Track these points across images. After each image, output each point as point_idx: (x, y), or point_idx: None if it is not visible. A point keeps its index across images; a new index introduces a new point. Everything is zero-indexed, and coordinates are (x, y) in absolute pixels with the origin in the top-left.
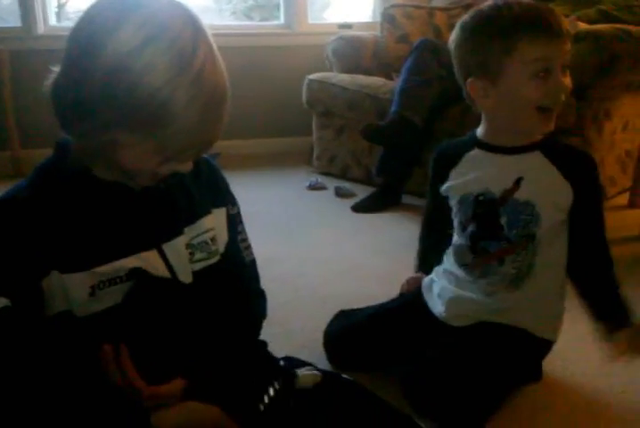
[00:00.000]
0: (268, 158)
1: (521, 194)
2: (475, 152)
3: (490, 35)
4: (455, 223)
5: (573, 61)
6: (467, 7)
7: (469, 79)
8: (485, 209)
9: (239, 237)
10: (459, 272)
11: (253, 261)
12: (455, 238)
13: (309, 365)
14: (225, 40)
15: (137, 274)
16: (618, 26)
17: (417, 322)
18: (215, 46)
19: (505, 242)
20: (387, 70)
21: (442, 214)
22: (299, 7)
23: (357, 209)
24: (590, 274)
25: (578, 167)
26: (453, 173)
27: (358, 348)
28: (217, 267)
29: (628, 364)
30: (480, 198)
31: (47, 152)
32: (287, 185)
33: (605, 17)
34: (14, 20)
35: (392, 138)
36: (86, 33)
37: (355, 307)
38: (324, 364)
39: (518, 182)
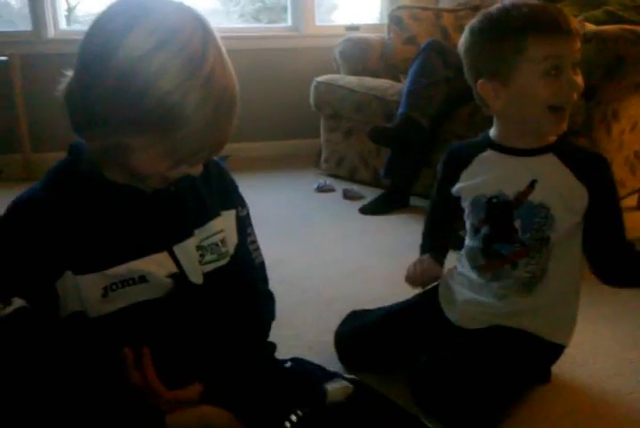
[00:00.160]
0: (277, 160)
1: (535, 197)
2: (488, 153)
3: (499, 36)
4: (468, 225)
5: (580, 63)
6: (474, 9)
7: (479, 81)
8: (498, 212)
9: (248, 239)
10: (472, 275)
11: (262, 263)
12: (468, 240)
13: (318, 366)
14: (233, 43)
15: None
16: (625, 27)
17: (430, 323)
18: (224, 49)
19: (519, 245)
20: (394, 72)
21: (447, 214)
22: (307, 9)
23: (365, 211)
24: (617, 268)
25: (591, 169)
26: (464, 174)
27: (370, 348)
28: (227, 268)
29: (635, 366)
30: (494, 200)
31: (59, 155)
32: (295, 187)
33: (612, 18)
34: (25, 25)
35: (400, 140)
36: (99, 38)
37: (362, 308)
38: (331, 365)
39: (532, 184)
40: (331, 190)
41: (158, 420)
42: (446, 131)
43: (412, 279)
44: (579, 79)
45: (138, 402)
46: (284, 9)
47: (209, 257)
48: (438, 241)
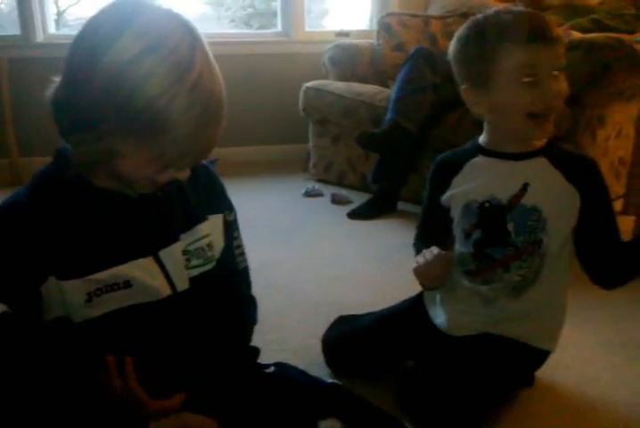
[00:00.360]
0: (265, 165)
1: (527, 200)
2: (479, 159)
3: (477, 44)
4: (458, 231)
5: (566, 69)
6: (463, 15)
7: (462, 87)
8: (491, 216)
9: (234, 243)
10: (461, 280)
11: (246, 268)
12: (457, 246)
13: (301, 371)
14: (223, 48)
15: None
16: (611, 35)
17: (417, 329)
18: (211, 55)
19: (512, 248)
20: (383, 78)
21: (440, 226)
22: (297, 15)
23: (353, 215)
24: (615, 267)
25: (581, 171)
26: (455, 181)
27: (359, 353)
28: (213, 273)
29: (618, 370)
30: (486, 205)
31: (45, 159)
32: (284, 191)
33: (599, 26)
34: (14, 29)
35: (387, 145)
36: (87, 43)
37: (349, 313)
38: (317, 370)
39: (525, 187)
40: (319, 195)
41: (141, 427)
42: (433, 137)
43: (422, 269)
44: (564, 85)
45: (121, 409)
46: (275, 14)
47: (195, 261)
48: (434, 244)
